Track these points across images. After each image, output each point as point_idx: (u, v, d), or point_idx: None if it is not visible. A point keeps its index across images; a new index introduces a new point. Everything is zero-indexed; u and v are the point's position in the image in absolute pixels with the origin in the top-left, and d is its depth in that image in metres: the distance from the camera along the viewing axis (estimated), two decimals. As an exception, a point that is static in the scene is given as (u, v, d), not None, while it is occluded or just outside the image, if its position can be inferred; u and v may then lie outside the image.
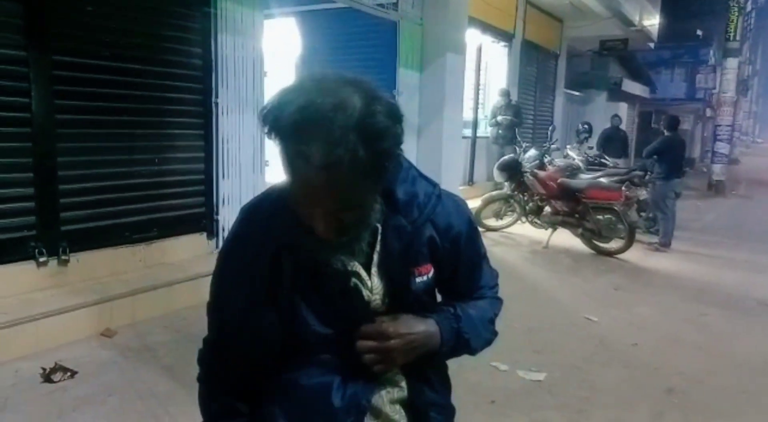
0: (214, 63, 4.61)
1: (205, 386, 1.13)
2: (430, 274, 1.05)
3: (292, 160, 0.81)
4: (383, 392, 1.08)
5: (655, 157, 7.29)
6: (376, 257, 1.01)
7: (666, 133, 7.53)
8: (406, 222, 1.01)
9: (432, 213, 1.04)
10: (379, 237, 1.01)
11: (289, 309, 1.00)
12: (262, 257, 0.98)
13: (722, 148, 14.03)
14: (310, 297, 1.00)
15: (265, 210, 1.03)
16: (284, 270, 0.98)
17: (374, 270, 1.02)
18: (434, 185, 1.07)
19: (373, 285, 1.01)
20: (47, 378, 3.03)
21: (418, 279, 1.03)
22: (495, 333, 1.17)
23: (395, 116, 0.84)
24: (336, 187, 0.82)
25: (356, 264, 1.00)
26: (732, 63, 13.55)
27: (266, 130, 0.83)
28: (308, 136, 0.78)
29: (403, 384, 1.10)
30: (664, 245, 7.07)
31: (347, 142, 0.78)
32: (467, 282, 1.15)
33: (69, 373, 3.09)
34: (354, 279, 1.00)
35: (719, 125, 14.09)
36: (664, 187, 7.16)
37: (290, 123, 0.79)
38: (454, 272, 1.10)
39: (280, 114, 0.80)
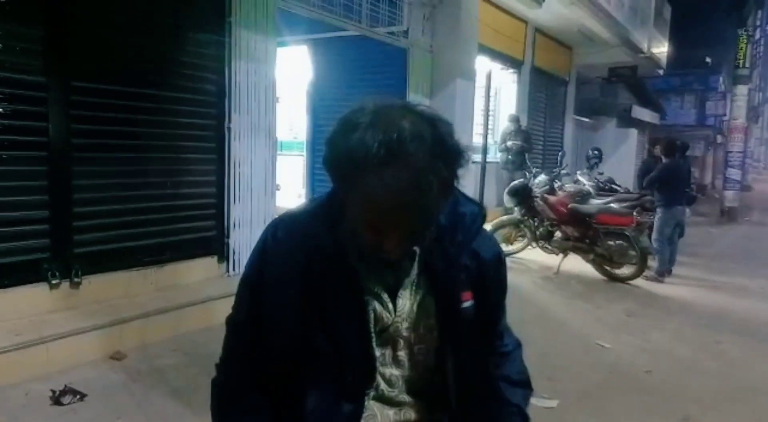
0: (227, 88, 4.70)
1: (224, 399, 1.11)
2: (472, 302, 1.05)
3: (374, 190, 0.82)
4: (390, 412, 1.06)
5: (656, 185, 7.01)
6: (410, 279, 1.01)
7: (664, 160, 7.27)
8: (448, 244, 1.02)
9: (476, 235, 1.05)
10: (416, 259, 1.01)
11: (303, 321, 1.00)
12: (295, 267, 0.99)
13: (734, 174, 13.96)
14: (324, 315, 1.00)
15: (299, 228, 1.02)
16: (313, 283, 0.99)
17: (404, 292, 1.01)
18: (479, 205, 1.08)
19: (397, 308, 1.01)
20: (57, 400, 3.02)
21: (466, 304, 1.03)
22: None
23: (455, 134, 0.88)
24: (424, 209, 0.86)
25: (379, 286, 1.00)
26: (742, 90, 13.57)
27: (344, 170, 0.85)
28: (397, 167, 0.81)
29: (410, 404, 1.08)
30: (661, 275, 6.79)
31: (434, 167, 0.83)
32: (493, 316, 1.14)
33: (78, 396, 3.08)
34: (374, 301, 1.00)
35: (730, 151, 14.04)
36: (665, 216, 6.89)
37: (378, 158, 0.81)
38: (485, 300, 1.09)
39: (366, 152, 0.81)
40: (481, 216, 1.06)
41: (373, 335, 1.00)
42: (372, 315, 1.00)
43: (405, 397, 1.07)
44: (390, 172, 0.81)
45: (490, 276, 1.09)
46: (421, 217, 0.88)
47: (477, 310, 1.06)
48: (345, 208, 0.91)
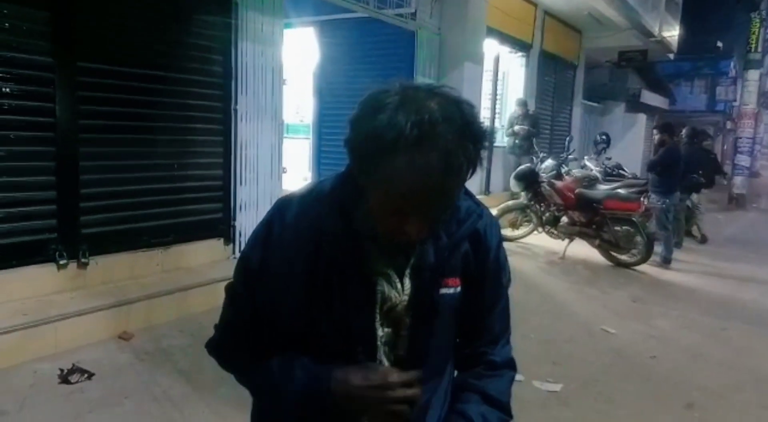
0: (234, 70, 4.67)
1: (226, 353, 1.12)
2: (458, 289, 1.05)
3: (404, 171, 0.82)
4: None
5: (658, 169, 6.91)
6: (411, 262, 1.02)
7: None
8: (443, 234, 1.01)
9: (471, 230, 1.04)
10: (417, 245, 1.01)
11: (308, 304, 1.00)
12: (301, 251, 0.98)
13: (743, 160, 13.85)
14: (331, 297, 1.00)
15: (307, 210, 1.01)
16: (319, 267, 0.98)
17: (408, 272, 1.02)
18: (477, 204, 1.08)
19: (404, 287, 1.01)
20: (65, 379, 3.06)
21: (443, 290, 1.03)
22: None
23: (479, 116, 0.88)
24: (452, 191, 0.87)
25: (388, 267, 1.00)
26: (753, 75, 13.40)
27: (371, 151, 0.84)
28: (431, 148, 0.81)
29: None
30: (666, 261, 6.76)
31: (464, 148, 0.83)
32: (485, 303, 1.12)
33: (86, 375, 3.12)
34: (383, 281, 1.00)
35: (740, 138, 13.92)
36: (666, 201, 6.81)
37: (411, 139, 0.80)
38: (480, 291, 1.09)
39: (398, 133, 0.81)
40: (477, 214, 1.05)
41: (377, 315, 1.01)
42: (380, 296, 1.00)
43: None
44: (422, 153, 0.81)
45: (487, 265, 1.08)
46: (447, 199, 0.88)
47: (466, 297, 1.06)
48: (363, 191, 0.90)
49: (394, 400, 0.95)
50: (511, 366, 1.16)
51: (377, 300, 1.00)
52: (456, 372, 1.17)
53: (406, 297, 1.01)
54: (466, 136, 0.84)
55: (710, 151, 9.28)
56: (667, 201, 6.79)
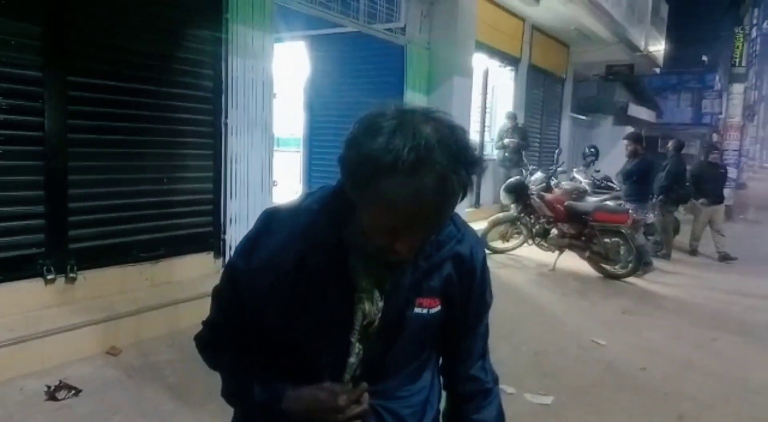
0: (224, 84, 4.67)
1: (211, 348, 1.17)
2: (434, 309, 1.07)
3: (400, 195, 0.83)
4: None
5: (634, 178, 7.07)
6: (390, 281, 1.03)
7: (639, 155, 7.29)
8: (420, 257, 1.02)
9: (450, 254, 1.06)
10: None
11: (286, 312, 1.02)
12: (287, 262, 1.00)
13: (730, 172, 13.96)
14: (307, 307, 1.02)
15: (296, 222, 1.02)
16: (303, 278, 1.00)
17: (386, 290, 1.03)
18: (459, 228, 1.09)
19: (381, 306, 1.03)
20: (52, 395, 3.02)
21: (417, 310, 1.05)
22: None
23: (472, 140, 0.91)
24: (445, 213, 0.90)
25: (372, 284, 1.02)
26: (738, 88, 13.59)
27: (368, 173, 0.85)
28: (426, 172, 0.83)
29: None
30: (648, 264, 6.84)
31: (458, 173, 0.85)
32: (467, 323, 1.15)
33: (74, 391, 3.08)
34: (365, 298, 1.02)
35: (726, 150, 14.08)
36: (641, 210, 6.92)
37: (408, 163, 0.82)
38: (464, 311, 1.12)
39: (395, 157, 0.82)
40: (456, 239, 1.07)
41: (356, 331, 1.03)
42: (360, 314, 1.02)
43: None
44: (418, 176, 0.83)
45: (473, 286, 1.11)
46: (439, 221, 0.91)
47: (450, 318, 1.09)
48: (356, 208, 0.91)
49: (343, 419, 0.98)
50: (497, 381, 1.22)
51: (358, 317, 1.02)
52: (448, 393, 1.21)
53: (380, 314, 1.04)
54: (459, 161, 0.86)
55: (720, 164, 8.99)
56: (640, 210, 6.92)
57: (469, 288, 1.10)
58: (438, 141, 0.84)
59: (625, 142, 7.35)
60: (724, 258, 7.92)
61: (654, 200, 7.58)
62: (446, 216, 0.91)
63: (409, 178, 0.82)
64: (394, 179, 0.83)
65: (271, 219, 1.06)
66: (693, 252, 8.39)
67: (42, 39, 3.56)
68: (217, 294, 1.15)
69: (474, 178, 0.89)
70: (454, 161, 0.85)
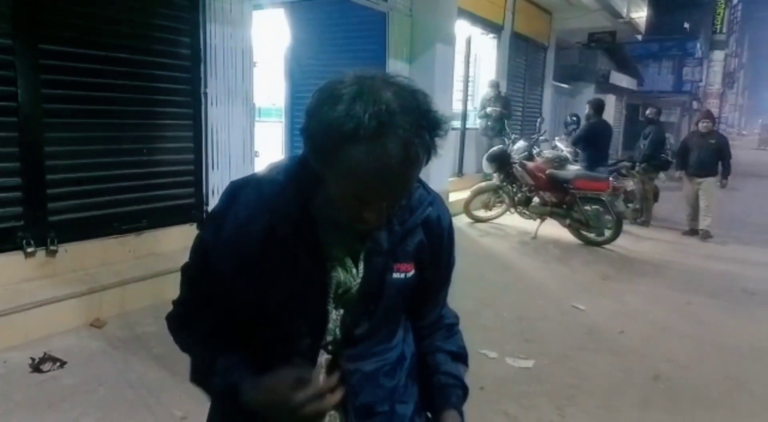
0: (203, 53, 4.59)
1: (181, 326, 1.14)
2: (410, 274, 1.08)
3: (364, 162, 0.83)
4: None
5: (583, 144, 7.22)
6: (366, 247, 1.04)
7: (591, 119, 7.50)
8: (396, 222, 1.04)
9: (423, 218, 1.08)
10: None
11: (258, 285, 1.02)
12: (255, 234, 0.99)
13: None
14: (281, 279, 1.01)
15: (263, 193, 1.02)
16: (273, 250, 0.99)
17: (362, 257, 1.04)
18: (429, 191, 1.11)
19: (359, 271, 1.04)
20: (36, 368, 3.02)
21: (395, 275, 1.06)
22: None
23: (434, 104, 0.89)
24: (410, 178, 0.89)
25: (343, 252, 1.03)
26: (718, 55, 13.70)
27: (330, 142, 0.84)
28: (389, 138, 0.82)
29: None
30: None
31: (422, 137, 0.85)
32: (435, 286, 1.19)
33: (58, 363, 3.08)
34: (338, 267, 1.03)
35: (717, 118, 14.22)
36: None
37: (370, 130, 0.81)
38: (435, 273, 1.15)
39: (356, 124, 0.81)
40: (428, 202, 1.09)
41: (330, 299, 1.03)
42: (334, 282, 1.03)
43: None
44: (381, 143, 0.82)
45: (443, 246, 1.14)
46: (405, 186, 0.91)
47: (421, 279, 1.11)
48: (322, 179, 0.90)
49: (299, 416, 0.94)
50: (458, 320, 1.28)
51: (332, 286, 1.03)
52: (420, 339, 1.25)
53: (359, 281, 1.04)
54: (422, 125, 0.85)
55: (712, 134, 7.82)
56: None
57: (438, 251, 1.12)
58: (399, 106, 0.83)
59: (587, 106, 7.52)
60: (703, 235, 7.50)
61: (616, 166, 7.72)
62: (412, 180, 0.91)
63: (372, 144, 0.82)
64: (357, 147, 0.82)
65: (238, 192, 1.05)
66: (692, 231, 7.68)
67: (11, 6, 3.45)
68: (187, 270, 1.13)
69: (438, 140, 0.88)
70: (416, 125, 0.84)
